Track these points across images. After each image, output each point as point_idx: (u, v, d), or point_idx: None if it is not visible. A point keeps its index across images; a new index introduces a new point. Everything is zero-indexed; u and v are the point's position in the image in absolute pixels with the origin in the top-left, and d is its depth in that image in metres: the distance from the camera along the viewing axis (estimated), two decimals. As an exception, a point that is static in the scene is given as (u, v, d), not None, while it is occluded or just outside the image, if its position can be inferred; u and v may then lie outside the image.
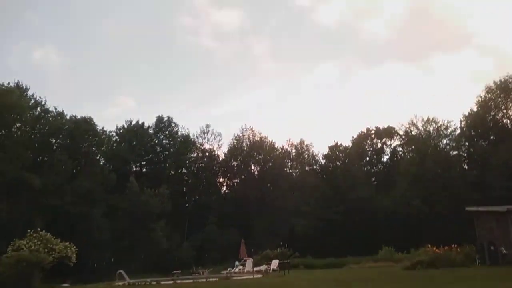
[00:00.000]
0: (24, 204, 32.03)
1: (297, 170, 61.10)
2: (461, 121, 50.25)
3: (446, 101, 75.79)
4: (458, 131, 50.60)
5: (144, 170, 55.33)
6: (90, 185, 38.70)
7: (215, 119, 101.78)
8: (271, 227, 49.23)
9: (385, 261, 29.84)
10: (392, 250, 32.09)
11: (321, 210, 47.91)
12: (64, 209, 35.01)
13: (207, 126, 58.04)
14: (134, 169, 54.04)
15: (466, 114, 49.66)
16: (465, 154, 51.42)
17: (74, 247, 23.59)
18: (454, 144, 50.74)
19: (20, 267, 18.34)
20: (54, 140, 42.11)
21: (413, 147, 53.28)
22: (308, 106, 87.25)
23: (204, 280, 20.14)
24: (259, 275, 21.84)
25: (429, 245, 22.66)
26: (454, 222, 40.22)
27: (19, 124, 37.19)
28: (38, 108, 41.47)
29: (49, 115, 41.82)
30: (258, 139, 58.79)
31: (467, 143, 50.47)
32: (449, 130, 50.96)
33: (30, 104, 40.09)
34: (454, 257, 19.85)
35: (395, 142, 59.18)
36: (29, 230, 22.36)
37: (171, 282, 19.50)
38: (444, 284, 13.65)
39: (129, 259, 38.02)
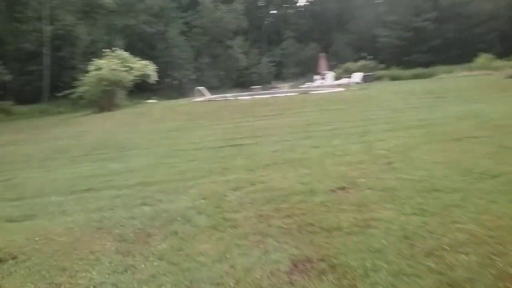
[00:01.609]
0: (101, 26, 32.03)
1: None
2: None
3: None
4: None
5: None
6: (162, 2, 37.42)
7: None
8: (353, 39, 46.33)
9: (481, 70, 26.98)
10: (491, 58, 28.67)
11: (409, 18, 43.16)
12: (140, 28, 34.75)
13: None
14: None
15: None
16: None
17: (153, 65, 23.57)
18: None
19: (101, 86, 18.70)
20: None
21: None
22: None
23: (283, 95, 19.43)
24: (341, 89, 20.65)
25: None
26: None
27: None
28: None
29: None
30: None
31: None
32: None
33: None
34: None
35: None
36: (105, 50, 22.33)
37: (249, 97, 19.05)
38: None
39: (210, 76, 38.59)
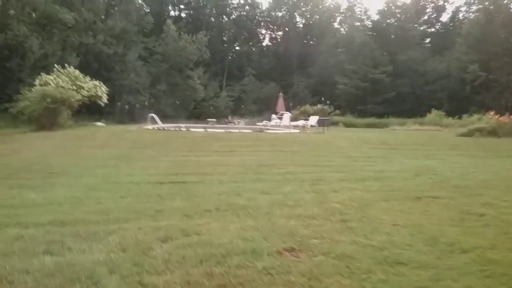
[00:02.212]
0: (56, 41, 30.57)
1: (346, 26, 56.33)
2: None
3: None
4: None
5: (183, 14, 52.31)
6: (124, 25, 36.46)
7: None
8: (312, 84, 47.20)
9: (432, 126, 27.88)
10: (442, 115, 29.78)
11: (367, 69, 44.59)
12: (98, 48, 33.54)
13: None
14: (172, 13, 51.21)
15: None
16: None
17: (104, 87, 22.50)
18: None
19: (45, 103, 17.41)
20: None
21: (481, 6, 46.72)
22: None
23: (237, 131, 18.86)
24: (296, 131, 20.42)
25: (492, 112, 20.01)
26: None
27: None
28: None
29: None
30: (306, -13, 53.20)
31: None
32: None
33: None
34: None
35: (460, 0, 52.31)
36: (56, 66, 21.13)
37: (202, 130, 18.33)
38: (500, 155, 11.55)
39: (165, 104, 37.69)
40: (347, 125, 30.61)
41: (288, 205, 5.33)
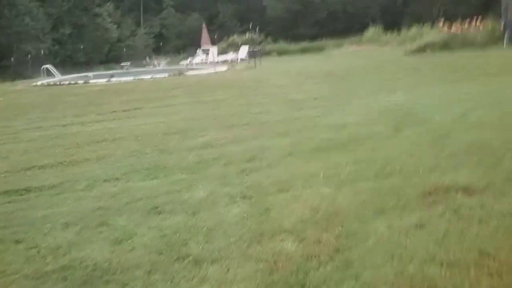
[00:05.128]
0: None
1: None
2: None
3: None
4: None
5: None
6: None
7: None
8: (240, 11, 43.08)
9: (370, 44, 25.69)
10: (380, 31, 27.45)
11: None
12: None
13: None
14: None
15: None
16: None
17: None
18: None
19: None
20: None
21: None
22: None
23: (149, 77, 15.34)
24: (224, 68, 17.29)
25: (441, 22, 17.82)
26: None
27: None
28: None
29: None
30: None
31: None
32: None
33: None
34: (473, 37, 15.34)
35: None
36: None
37: (105, 80, 14.73)
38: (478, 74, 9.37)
39: (73, 49, 32.55)
40: (281, 53, 27.71)
41: (199, 260, 2.51)
